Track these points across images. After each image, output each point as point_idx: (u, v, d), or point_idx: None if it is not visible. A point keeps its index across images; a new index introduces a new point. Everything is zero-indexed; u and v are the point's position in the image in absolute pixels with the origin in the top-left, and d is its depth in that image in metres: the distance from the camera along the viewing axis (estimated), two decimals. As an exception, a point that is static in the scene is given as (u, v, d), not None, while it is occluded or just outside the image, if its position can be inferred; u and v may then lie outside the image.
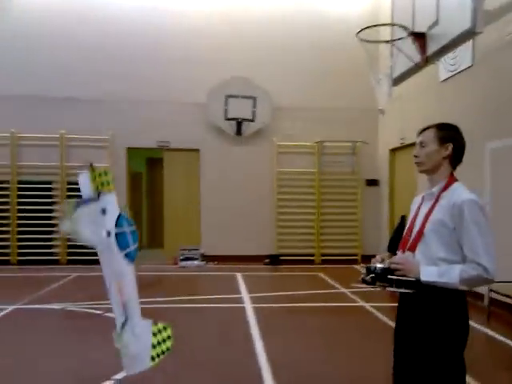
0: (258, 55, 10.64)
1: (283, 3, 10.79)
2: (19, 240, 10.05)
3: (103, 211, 2.08)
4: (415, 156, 2.33)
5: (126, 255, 2.11)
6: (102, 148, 10.27)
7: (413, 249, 2.26)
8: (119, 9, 10.40)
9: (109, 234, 2.08)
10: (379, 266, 2.20)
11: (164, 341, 2.12)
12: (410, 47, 5.85)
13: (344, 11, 10.78)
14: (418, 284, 2.15)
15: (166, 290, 7.80)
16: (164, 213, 10.83)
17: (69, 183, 10.13)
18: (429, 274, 2.14)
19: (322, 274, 9.10)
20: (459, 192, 2.20)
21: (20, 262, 9.91)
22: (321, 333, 5.34)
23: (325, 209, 10.78)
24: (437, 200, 2.24)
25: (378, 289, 2.20)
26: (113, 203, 2.11)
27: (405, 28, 5.76)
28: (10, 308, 6.12)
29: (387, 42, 6.63)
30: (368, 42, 6.30)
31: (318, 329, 5.49)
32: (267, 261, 10.33)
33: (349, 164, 10.78)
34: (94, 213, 2.06)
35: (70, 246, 10.02)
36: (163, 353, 2.12)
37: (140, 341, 2.09)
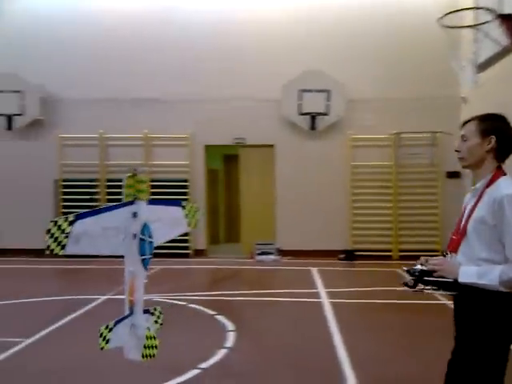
0: (332, 47, 10.54)
1: (357, -7, 10.58)
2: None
3: (134, 214, 2.22)
4: (456, 151, 2.23)
5: (143, 261, 2.28)
6: (182, 146, 10.71)
7: (455, 249, 2.18)
8: (194, 10, 10.74)
9: (134, 236, 2.22)
10: (418, 267, 2.14)
11: (152, 347, 2.31)
12: (496, 31, 5.54)
13: (422, -3, 10.36)
14: (456, 285, 2.08)
15: (244, 283, 8.01)
16: (240, 208, 11.09)
17: (152, 180, 10.66)
18: (467, 275, 2.06)
19: (400, 271, 8.88)
20: (502, 186, 2.06)
21: (108, 255, 10.58)
22: (400, 330, 5.25)
23: (402, 203, 10.48)
24: (480, 197, 2.12)
25: (420, 292, 2.14)
26: (144, 211, 2.26)
27: (491, 11, 5.46)
28: (103, 298, 6.61)
29: (471, 26, 6.32)
30: (450, 27, 6.05)
31: (397, 326, 5.40)
32: (342, 256, 10.25)
33: (428, 156, 10.38)
34: (122, 216, 2.18)
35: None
36: (150, 356, 2.33)
37: (135, 334, 2.29)
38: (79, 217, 2.06)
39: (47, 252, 1.95)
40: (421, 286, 2.13)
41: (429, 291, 2.12)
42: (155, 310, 2.50)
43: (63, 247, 1.98)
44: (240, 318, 5.71)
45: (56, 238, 1.98)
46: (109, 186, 10.77)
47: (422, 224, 10.40)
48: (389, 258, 10.28)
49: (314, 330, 5.25)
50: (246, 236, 10.85)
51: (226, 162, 13.35)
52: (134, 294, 2.30)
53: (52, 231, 1.98)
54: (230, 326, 5.26)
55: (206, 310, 5.82)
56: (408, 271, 2.15)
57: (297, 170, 10.68)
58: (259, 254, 10.29)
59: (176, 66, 10.67)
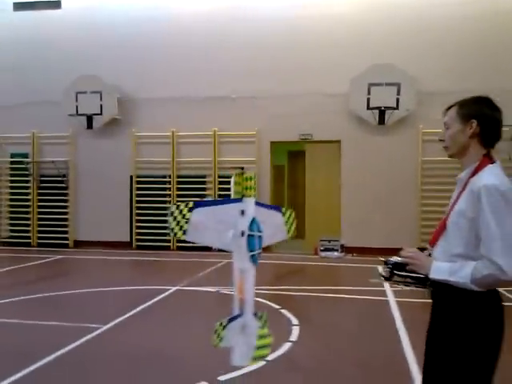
0: (402, 39, 10.25)
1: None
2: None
3: (242, 212, 2.22)
4: (440, 140, 2.07)
5: (252, 256, 2.23)
6: (249, 143, 10.90)
7: (433, 243, 2.01)
8: (262, 7, 10.87)
9: (243, 233, 2.20)
10: (394, 259, 2.04)
11: (264, 347, 2.24)
12: None
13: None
14: (428, 281, 1.94)
15: (309, 279, 8.04)
16: (306, 204, 11.11)
17: (220, 177, 10.98)
18: (439, 271, 1.90)
19: (473, 270, 8.50)
20: (483, 177, 1.87)
21: (179, 248, 11.06)
22: None
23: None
24: (464, 187, 1.94)
25: (396, 284, 2.05)
26: (251, 207, 2.23)
27: None
28: (174, 289, 6.93)
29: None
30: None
31: None
32: (413, 254, 9.95)
33: (505, 150, 9.82)
34: (228, 213, 2.20)
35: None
36: (261, 357, 2.26)
37: (245, 337, 2.22)
38: (197, 205, 2.11)
39: (171, 234, 2.04)
40: (397, 279, 2.04)
41: (400, 285, 2.02)
42: (262, 315, 2.37)
43: (184, 232, 2.06)
44: (304, 312, 5.77)
45: (178, 222, 2.06)
46: (179, 182, 11.20)
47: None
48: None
49: (379, 328, 5.20)
50: (310, 232, 10.86)
51: (291, 158, 13.41)
52: (243, 293, 2.24)
53: (175, 214, 2.05)
54: (294, 320, 5.34)
55: (271, 304, 5.93)
56: (385, 262, 2.07)
57: (364, 165, 10.51)
58: (323, 251, 10.27)
59: (243, 64, 10.86)
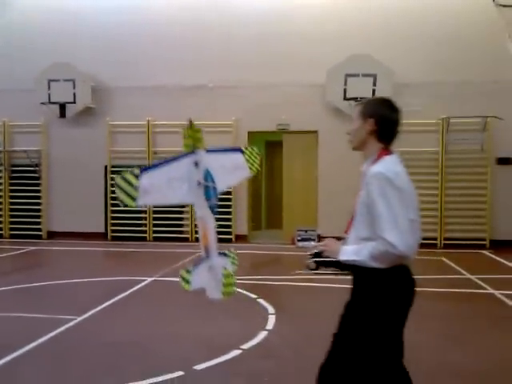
0: (378, 30, 10.33)
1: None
2: (155, 219, 11.09)
3: (196, 164, 2.25)
4: (347, 133, 2.29)
5: (210, 206, 2.32)
6: (226, 133, 10.83)
7: (347, 231, 2.26)
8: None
9: (199, 183, 2.26)
10: (315, 250, 2.34)
11: (230, 285, 2.36)
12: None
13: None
14: (338, 263, 2.15)
15: (285, 268, 8.09)
16: (283, 194, 11.14)
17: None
18: (346, 253, 2.13)
19: (445, 259, 8.70)
20: (375, 166, 2.10)
21: (156, 239, 10.96)
22: (447, 319, 5.18)
23: (449, 190, 10.21)
24: (364, 178, 2.18)
25: (319, 270, 2.30)
26: (204, 159, 2.28)
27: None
28: (149, 279, 6.88)
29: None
30: (506, 6, 5.78)
31: (445, 315, 5.33)
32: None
33: (478, 141, 10.03)
34: (181, 169, 2.22)
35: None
36: (229, 294, 2.38)
37: (213, 275, 2.35)
38: (144, 170, 2.09)
39: (121, 205, 2.01)
40: (322, 269, 2.34)
41: (322, 270, 2.32)
42: (230, 252, 2.55)
43: (134, 199, 2.02)
44: (281, 302, 5.81)
45: (126, 192, 2.02)
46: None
47: (469, 212, 10.12)
48: (434, 246, 10.06)
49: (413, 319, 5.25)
50: (287, 222, 10.91)
51: (268, 148, 13.40)
52: (207, 239, 2.38)
53: (121, 185, 2.01)
54: (270, 309, 5.37)
55: (248, 293, 5.95)
56: (310, 255, 2.37)
57: (340, 156, 10.56)
58: (300, 240, 10.34)
59: (220, 53, 10.77)
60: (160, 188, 2.14)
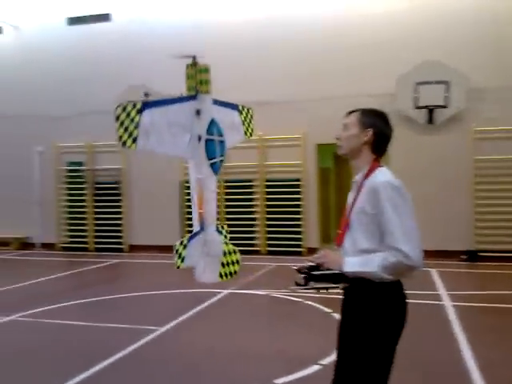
0: (449, 34, 10.00)
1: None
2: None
3: (198, 112, 1.88)
4: (337, 138, 2.25)
5: (212, 165, 1.93)
6: (295, 146, 10.94)
7: (340, 243, 2.16)
8: (306, 10, 10.89)
9: (199, 138, 1.89)
10: (306, 265, 2.07)
11: (233, 263, 2.05)
12: None
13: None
14: (343, 277, 2.03)
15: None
16: (354, 206, 10.99)
17: (267, 181, 11.09)
18: (351, 264, 2.03)
19: (532, 272, 8.19)
20: (378, 175, 2.10)
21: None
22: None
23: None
24: (360, 188, 2.13)
25: (314, 290, 2.04)
26: (208, 106, 1.89)
27: None
28: (225, 292, 7.09)
29: None
30: None
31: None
32: (464, 257, 9.69)
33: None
34: (182, 114, 1.83)
35: (269, 238, 11.00)
36: (231, 274, 2.06)
37: (208, 252, 1.95)
38: (146, 105, 1.88)
39: (120, 145, 1.79)
40: (314, 285, 2.05)
41: (318, 285, 2.04)
42: (222, 228, 2.18)
43: (134, 140, 1.82)
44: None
45: (126, 128, 1.82)
46: (227, 187, 11.40)
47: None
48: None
49: (436, 333, 5.12)
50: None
51: (337, 160, 13.29)
52: (203, 206, 1.96)
53: (121, 118, 1.82)
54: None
55: (321, 307, 5.96)
56: (298, 270, 2.07)
57: (412, 166, 10.30)
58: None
59: (286, 68, 10.92)
60: (160, 130, 1.86)
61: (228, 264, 2.03)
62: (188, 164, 1.95)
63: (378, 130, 2.20)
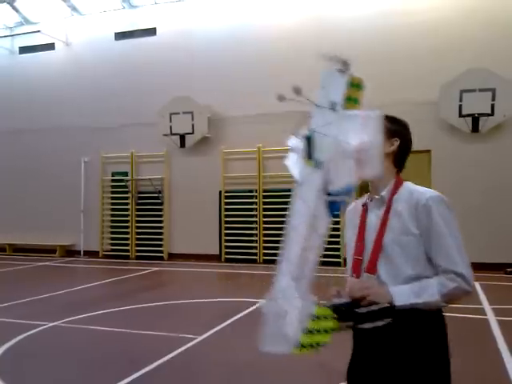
0: (495, 42, 9.71)
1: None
2: (265, 242, 11.40)
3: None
4: None
5: (331, 203, 1.43)
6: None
7: (373, 270, 1.78)
8: (344, 17, 10.86)
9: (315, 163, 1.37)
10: (339, 301, 1.66)
11: (325, 331, 1.49)
12: None
13: None
14: (393, 311, 1.65)
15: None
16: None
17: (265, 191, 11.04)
18: (403, 295, 1.69)
19: None
20: (419, 190, 1.82)
21: (266, 261, 11.22)
22: None
23: None
24: (389, 205, 1.81)
25: (345, 331, 1.61)
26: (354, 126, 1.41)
27: None
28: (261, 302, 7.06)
29: None
30: None
31: None
32: (510, 270, 9.29)
33: None
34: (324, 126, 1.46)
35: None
36: (317, 345, 1.51)
37: (290, 312, 1.46)
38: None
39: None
40: (349, 324, 1.63)
41: (365, 326, 1.63)
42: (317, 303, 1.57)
43: None
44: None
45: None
46: (265, 196, 11.44)
47: None
48: None
49: (481, 349, 4.92)
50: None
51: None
52: (306, 252, 1.45)
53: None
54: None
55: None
56: (333, 309, 1.61)
57: (457, 175, 10.01)
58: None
59: (294, 78, 10.84)
60: None
61: (317, 331, 1.49)
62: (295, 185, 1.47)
63: (404, 139, 1.94)
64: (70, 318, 6.14)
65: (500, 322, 5.76)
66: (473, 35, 9.91)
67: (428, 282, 1.72)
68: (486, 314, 6.20)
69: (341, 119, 1.42)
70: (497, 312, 6.27)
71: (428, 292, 1.70)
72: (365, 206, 1.92)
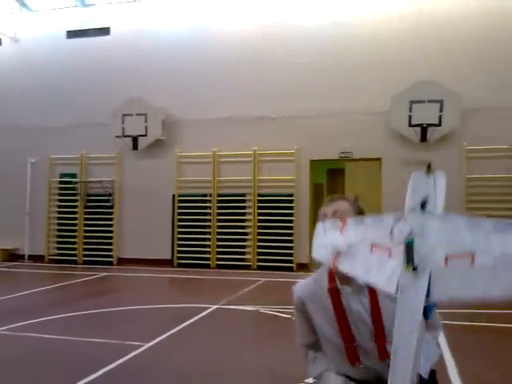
0: (443, 55, 10.15)
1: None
2: (218, 246, 11.32)
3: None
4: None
5: (426, 308, 1.28)
6: (289, 162, 10.95)
7: (385, 356, 1.72)
8: (301, 26, 11.00)
9: (415, 268, 1.28)
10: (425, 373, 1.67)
11: None
12: None
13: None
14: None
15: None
16: (346, 222, 10.98)
17: (259, 195, 11.06)
18: (422, 365, 1.67)
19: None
20: None
21: (219, 266, 11.16)
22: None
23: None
24: (373, 290, 1.74)
25: None
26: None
27: None
28: (214, 307, 6.99)
29: None
30: None
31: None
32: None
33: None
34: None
35: (259, 253, 10.92)
36: None
37: None
38: None
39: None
40: None
41: None
42: None
43: None
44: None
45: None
46: (220, 201, 11.36)
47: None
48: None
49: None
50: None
51: (330, 176, 13.35)
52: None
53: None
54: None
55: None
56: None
57: (406, 183, 10.28)
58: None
59: (283, 83, 10.99)
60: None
61: None
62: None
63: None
64: (10, 326, 5.82)
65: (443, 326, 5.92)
66: (422, 48, 10.28)
67: (425, 345, 1.61)
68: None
69: (436, 222, 1.33)
70: (443, 316, 6.45)
71: (431, 351, 1.80)
72: (333, 289, 1.82)
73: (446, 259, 1.27)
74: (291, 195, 10.96)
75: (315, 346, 1.96)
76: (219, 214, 11.32)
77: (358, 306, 1.78)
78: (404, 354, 1.28)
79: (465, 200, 9.87)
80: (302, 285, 1.97)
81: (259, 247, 10.96)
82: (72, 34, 12.62)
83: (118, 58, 12.02)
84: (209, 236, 11.39)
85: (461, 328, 5.97)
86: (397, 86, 10.04)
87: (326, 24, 10.87)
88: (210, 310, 6.84)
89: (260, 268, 10.77)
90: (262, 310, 6.73)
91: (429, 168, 1.51)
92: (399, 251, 1.33)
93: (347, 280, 1.78)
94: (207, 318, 6.47)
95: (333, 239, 1.53)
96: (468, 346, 5.27)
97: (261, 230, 10.98)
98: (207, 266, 11.23)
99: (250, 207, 11.18)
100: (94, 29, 12.44)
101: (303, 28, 10.99)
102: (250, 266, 11.02)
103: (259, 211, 11.04)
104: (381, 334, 1.74)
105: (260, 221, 11.02)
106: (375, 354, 1.77)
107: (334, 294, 1.82)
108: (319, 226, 1.65)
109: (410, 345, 1.27)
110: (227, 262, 11.12)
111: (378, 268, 1.40)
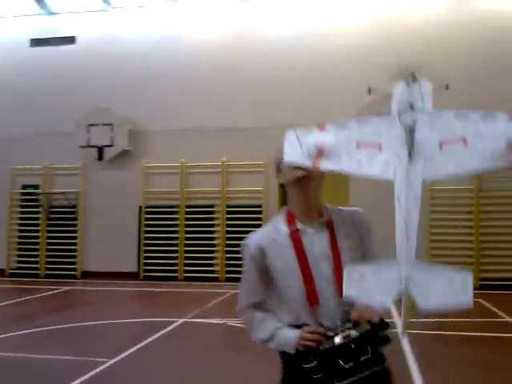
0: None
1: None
2: (186, 258, 11.20)
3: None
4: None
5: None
6: (258, 173, 10.97)
7: (340, 293, 1.69)
8: (277, 37, 11.13)
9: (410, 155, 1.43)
10: (349, 335, 1.65)
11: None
12: None
13: None
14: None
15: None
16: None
17: (228, 206, 11.03)
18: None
19: (482, 301, 8.36)
20: (346, 207, 1.95)
21: (186, 279, 11.02)
22: (486, 366, 4.94)
23: (484, 229, 9.95)
24: (331, 227, 1.84)
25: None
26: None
27: None
28: (180, 321, 6.89)
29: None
30: None
31: (484, 361, 5.09)
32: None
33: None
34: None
35: (228, 265, 10.86)
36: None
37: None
38: None
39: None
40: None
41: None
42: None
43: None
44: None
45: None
46: (188, 212, 11.27)
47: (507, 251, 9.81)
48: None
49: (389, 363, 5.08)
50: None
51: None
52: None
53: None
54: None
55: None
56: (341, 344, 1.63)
57: (376, 202, 10.46)
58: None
59: (250, 95, 11.05)
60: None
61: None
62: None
63: None
64: (-35, 344, 5.57)
65: (407, 335, 6.01)
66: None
67: None
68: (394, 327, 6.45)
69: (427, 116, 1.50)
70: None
71: None
72: (297, 231, 1.84)
73: (441, 145, 1.44)
74: (260, 206, 10.97)
75: (263, 306, 1.93)
76: (187, 226, 11.22)
77: (319, 245, 1.82)
78: (408, 224, 1.41)
79: (428, 210, 10.07)
80: (257, 235, 1.94)
81: (228, 259, 10.90)
82: (35, 42, 12.36)
83: (84, 68, 11.83)
84: (176, 248, 11.26)
85: (429, 337, 6.08)
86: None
87: (297, 34, 11.01)
88: (176, 323, 6.74)
89: (228, 280, 10.69)
90: (230, 322, 6.68)
91: (413, 76, 1.58)
92: (391, 143, 1.47)
93: (307, 221, 1.85)
94: (174, 332, 6.37)
95: (311, 139, 1.60)
96: (434, 354, 5.37)
97: (229, 242, 10.91)
98: (175, 279, 11.08)
99: (218, 218, 11.13)
100: (59, 37, 12.22)
101: (275, 37, 11.12)
102: (219, 277, 10.94)
103: (228, 222, 10.99)
104: (340, 272, 1.73)
105: (228, 232, 10.97)
106: (333, 298, 1.79)
107: (296, 235, 1.84)
108: (289, 134, 1.70)
109: (412, 216, 1.42)
110: (195, 274, 11.01)
111: (368, 161, 1.51)
